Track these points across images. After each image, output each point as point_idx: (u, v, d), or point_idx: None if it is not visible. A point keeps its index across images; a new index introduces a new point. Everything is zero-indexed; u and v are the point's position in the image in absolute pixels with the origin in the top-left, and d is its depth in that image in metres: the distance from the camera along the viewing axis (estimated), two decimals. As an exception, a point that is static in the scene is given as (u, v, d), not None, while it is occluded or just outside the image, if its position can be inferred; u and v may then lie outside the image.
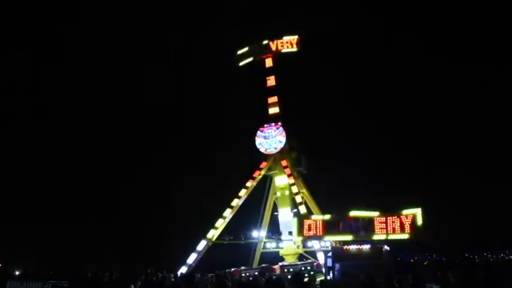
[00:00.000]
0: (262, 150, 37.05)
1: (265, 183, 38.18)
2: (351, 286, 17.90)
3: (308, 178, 38.38)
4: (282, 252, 35.43)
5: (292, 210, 35.86)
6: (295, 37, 39.25)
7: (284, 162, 36.19)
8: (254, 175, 36.93)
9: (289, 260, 34.38)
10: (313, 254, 33.74)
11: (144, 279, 18.70)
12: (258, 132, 37.32)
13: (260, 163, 37.26)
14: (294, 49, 39.32)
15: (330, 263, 21.12)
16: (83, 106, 78.75)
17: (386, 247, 21.30)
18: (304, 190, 37.19)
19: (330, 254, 21.83)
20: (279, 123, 37.41)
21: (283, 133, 36.64)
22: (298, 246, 34.85)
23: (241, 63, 40.59)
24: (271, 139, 36.83)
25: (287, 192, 36.59)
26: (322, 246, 30.91)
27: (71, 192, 55.43)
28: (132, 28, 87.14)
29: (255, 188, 37.58)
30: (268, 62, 40.06)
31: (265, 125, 37.49)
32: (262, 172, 37.18)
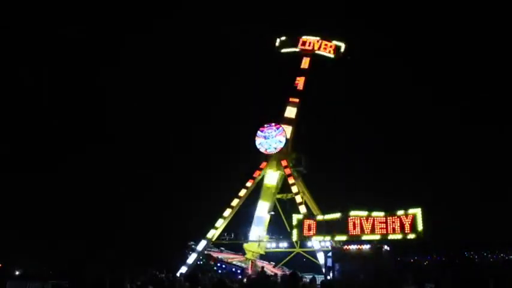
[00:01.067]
0: (262, 150, 36.97)
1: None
2: (351, 286, 17.95)
3: (308, 178, 38.37)
4: (245, 245, 35.92)
5: (270, 210, 36.38)
6: (336, 44, 39.19)
7: (284, 162, 36.25)
8: (254, 175, 36.91)
9: (248, 256, 35.09)
10: (313, 254, 33.60)
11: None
12: (258, 132, 37.24)
13: (260, 163, 37.25)
14: (332, 55, 39.08)
15: (330, 263, 21.15)
16: (82, 106, 78.72)
17: (386, 247, 21.32)
18: (304, 190, 37.19)
19: (330, 254, 21.87)
20: (279, 124, 37.39)
21: (283, 133, 36.57)
22: (261, 247, 35.53)
23: (283, 50, 40.71)
24: (271, 139, 36.76)
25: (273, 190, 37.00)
26: (322, 246, 30.87)
27: (70, 192, 55.41)
28: (132, 28, 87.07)
29: (255, 188, 37.56)
30: (305, 63, 39.41)
31: (265, 125, 37.39)
32: (262, 172, 37.18)
